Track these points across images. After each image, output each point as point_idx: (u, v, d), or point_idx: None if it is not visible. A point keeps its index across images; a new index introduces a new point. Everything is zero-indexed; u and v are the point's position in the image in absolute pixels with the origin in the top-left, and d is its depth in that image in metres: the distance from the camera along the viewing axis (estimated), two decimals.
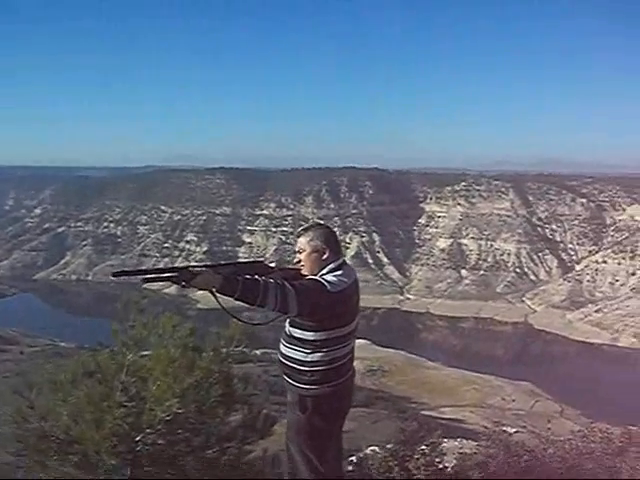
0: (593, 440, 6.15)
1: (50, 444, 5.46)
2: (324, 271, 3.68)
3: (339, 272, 3.67)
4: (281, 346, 3.75)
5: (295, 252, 3.86)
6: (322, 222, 4.07)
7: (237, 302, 3.31)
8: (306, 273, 3.73)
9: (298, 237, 3.86)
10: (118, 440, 5.33)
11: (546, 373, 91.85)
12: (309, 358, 3.60)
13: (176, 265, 3.41)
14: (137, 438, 5.47)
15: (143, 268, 3.30)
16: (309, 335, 3.58)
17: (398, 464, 5.35)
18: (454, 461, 5.85)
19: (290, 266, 3.98)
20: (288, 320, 3.66)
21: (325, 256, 3.72)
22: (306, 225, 3.97)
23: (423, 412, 56.00)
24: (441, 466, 5.46)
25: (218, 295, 3.28)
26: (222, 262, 3.58)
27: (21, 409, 5.60)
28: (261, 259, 3.97)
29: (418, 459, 5.27)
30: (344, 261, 3.79)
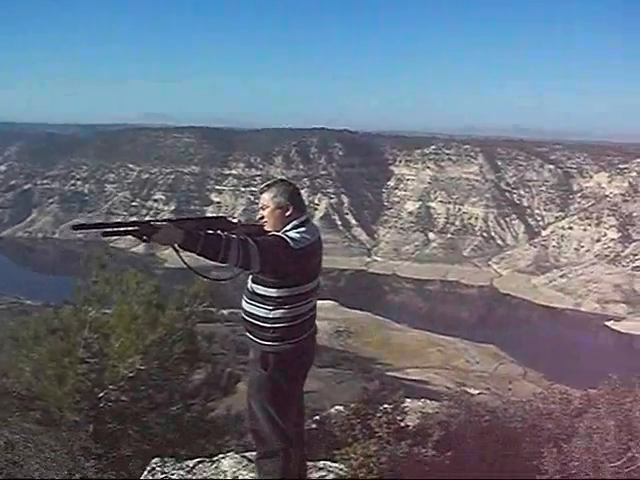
0: (553, 401, 6.24)
1: (12, 400, 5.45)
2: (287, 227, 3.65)
3: (302, 229, 3.64)
4: (243, 303, 3.73)
5: (259, 208, 3.82)
6: (285, 179, 4.02)
7: (205, 260, 3.30)
8: (269, 229, 3.69)
9: (261, 193, 3.81)
10: (81, 396, 5.33)
11: (510, 336, 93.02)
12: (271, 315, 3.58)
13: (138, 220, 3.34)
14: (100, 395, 5.48)
15: (103, 222, 3.24)
16: (271, 292, 3.56)
17: (360, 422, 5.39)
18: (416, 420, 5.91)
19: (253, 222, 3.95)
20: (250, 277, 3.64)
21: (288, 213, 3.69)
22: (270, 181, 3.91)
23: (388, 373, 56.66)
24: (403, 424, 5.51)
25: (180, 250, 3.27)
26: (184, 217, 3.54)
27: None
28: (223, 215, 3.90)
29: (380, 417, 5.31)
30: (307, 218, 3.75)
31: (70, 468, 5.50)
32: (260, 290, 3.59)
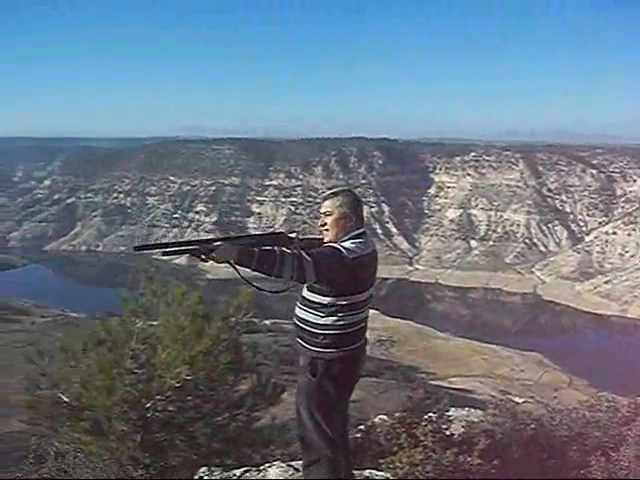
0: (600, 410, 6.19)
1: (62, 410, 5.54)
2: (345, 237, 3.69)
3: (359, 240, 3.68)
4: (297, 309, 3.77)
5: (321, 214, 3.84)
6: (350, 189, 4.05)
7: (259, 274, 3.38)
8: (329, 237, 3.75)
9: (325, 200, 3.84)
10: (129, 406, 5.40)
11: (555, 344, 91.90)
12: (322, 321, 3.63)
13: (196, 239, 3.44)
14: (147, 405, 5.55)
15: (163, 242, 3.33)
16: (324, 300, 3.60)
17: (405, 431, 5.40)
18: (461, 429, 5.90)
19: (310, 236, 3.99)
20: (305, 284, 3.68)
21: (350, 223, 3.74)
22: (335, 189, 3.95)
23: (432, 382, 56.29)
24: (448, 433, 5.51)
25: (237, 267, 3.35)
26: (242, 235, 3.61)
27: (33, 376, 5.68)
28: (281, 230, 3.95)
29: (425, 426, 5.32)
30: (365, 231, 3.79)
31: (119, 477, 5.60)
32: (313, 297, 3.64)
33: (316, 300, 3.62)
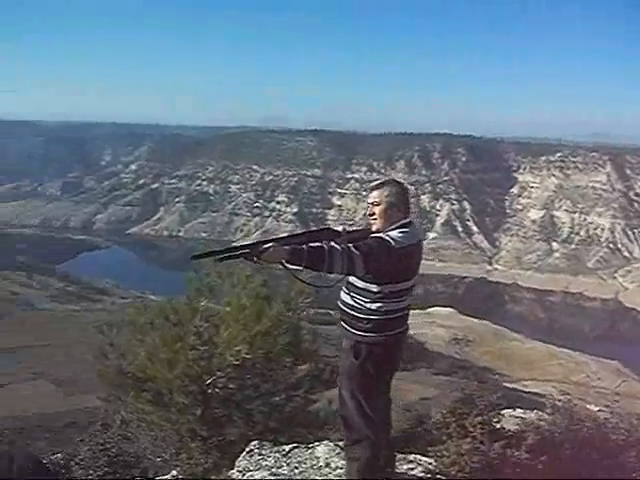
0: None
1: (127, 381, 5.80)
2: (392, 227, 3.77)
3: (405, 230, 3.75)
4: (342, 294, 3.89)
5: (369, 204, 3.90)
6: (397, 179, 4.13)
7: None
8: (376, 227, 3.83)
9: (373, 190, 3.91)
10: (190, 381, 5.62)
11: (635, 353, 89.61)
12: (367, 306, 3.73)
13: (247, 243, 3.58)
14: (208, 381, 5.76)
15: (218, 249, 3.49)
16: (369, 286, 3.70)
17: (455, 421, 5.46)
18: (515, 426, 5.92)
19: (357, 228, 4.10)
20: None
21: (397, 213, 3.81)
22: (382, 180, 4.03)
23: (505, 384, 55.56)
24: (498, 427, 5.54)
25: (289, 266, 3.49)
26: (289, 234, 3.74)
27: (102, 348, 5.96)
28: (327, 226, 4.05)
29: (475, 417, 5.37)
30: (411, 221, 3.85)
31: (177, 447, 5.84)
32: (359, 283, 3.74)
33: (361, 286, 3.73)
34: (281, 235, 3.73)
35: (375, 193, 3.85)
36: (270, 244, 3.42)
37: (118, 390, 5.83)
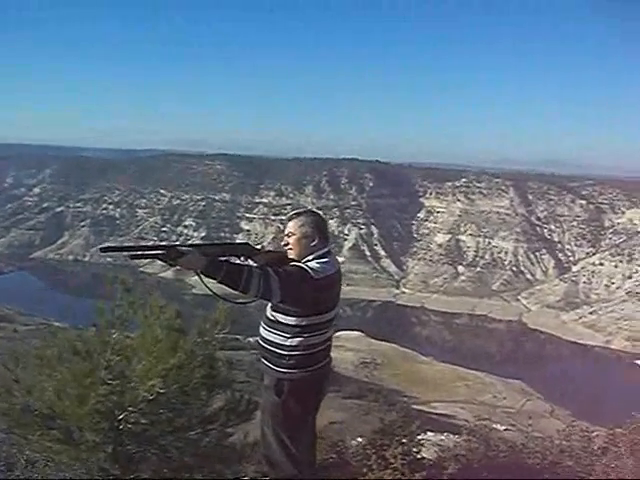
0: (574, 439, 6.23)
1: (34, 418, 5.52)
2: (310, 257, 3.72)
3: (324, 260, 3.71)
4: (261, 329, 3.80)
5: (285, 235, 3.88)
6: (313, 209, 4.10)
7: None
8: (292, 257, 3.77)
9: (289, 221, 3.88)
10: (101, 417, 5.38)
11: (538, 372, 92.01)
12: (288, 342, 3.64)
13: (164, 244, 3.45)
14: (120, 416, 5.54)
15: (130, 244, 3.35)
16: (290, 320, 3.62)
17: (375, 452, 5.42)
18: (434, 453, 5.92)
19: (276, 249, 4.03)
20: (269, 304, 3.70)
21: (314, 243, 3.76)
22: (298, 210, 4.00)
23: (414, 406, 56.02)
24: (419, 456, 5.52)
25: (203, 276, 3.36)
26: (210, 243, 3.62)
27: (6, 383, 5.66)
28: (246, 242, 4.00)
29: (396, 448, 5.33)
30: (329, 250, 3.82)
31: None
32: (279, 318, 3.66)
33: (281, 320, 3.65)
34: (197, 242, 3.62)
35: (290, 224, 3.84)
36: (189, 249, 3.29)
37: (24, 428, 5.54)
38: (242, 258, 3.64)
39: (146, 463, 5.78)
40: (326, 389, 3.98)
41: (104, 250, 3.38)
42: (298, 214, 3.88)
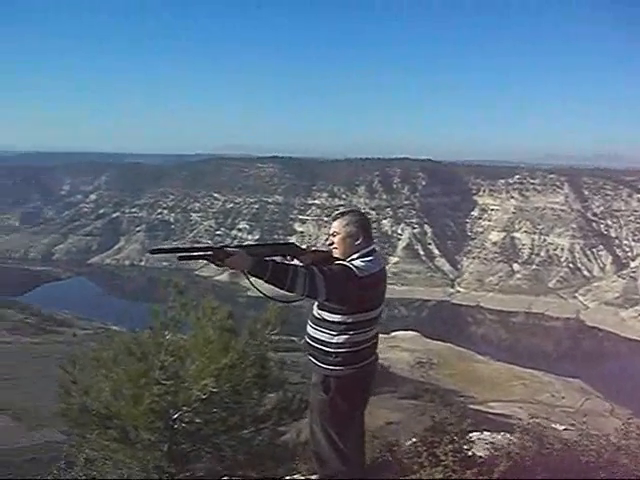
0: (632, 437, 6.14)
1: (92, 418, 5.68)
2: (354, 256, 3.76)
3: (369, 258, 3.76)
4: (308, 328, 3.85)
5: (329, 235, 3.93)
6: (357, 209, 4.16)
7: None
8: (337, 256, 3.84)
9: (333, 220, 3.93)
10: (156, 416, 5.52)
11: (597, 371, 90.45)
12: (334, 340, 3.70)
13: (212, 245, 3.52)
14: (174, 416, 5.66)
15: (179, 246, 3.44)
16: (336, 318, 3.67)
17: (427, 450, 5.43)
18: (487, 452, 5.90)
19: (322, 248, 4.08)
20: (316, 303, 3.76)
21: (358, 242, 3.80)
22: (342, 210, 4.06)
23: (471, 406, 55.62)
24: (470, 453, 5.51)
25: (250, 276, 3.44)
26: (255, 243, 3.69)
27: (65, 384, 5.83)
28: (292, 242, 4.09)
29: (447, 446, 5.34)
30: (374, 248, 3.86)
31: None
32: (325, 316, 3.71)
33: (327, 318, 3.70)
34: (246, 243, 3.69)
35: (335, 223, 3.89)
36: (236, 250, 3.38)
37: (82, 428, 5.71)
38: (288, 258, 3.71)
39: (200, 461, 5.91)
40: (373, 386, 4.01)
41: (153, 252, 3.50)
42: (342, 214, 3.92)
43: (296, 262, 3.72)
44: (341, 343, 3.68)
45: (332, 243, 3.84)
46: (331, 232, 3.89)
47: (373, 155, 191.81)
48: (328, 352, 3.72)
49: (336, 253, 3.81)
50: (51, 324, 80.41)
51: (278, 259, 3.60)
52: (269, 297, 3.97)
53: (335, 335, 3.68)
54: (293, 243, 3.93)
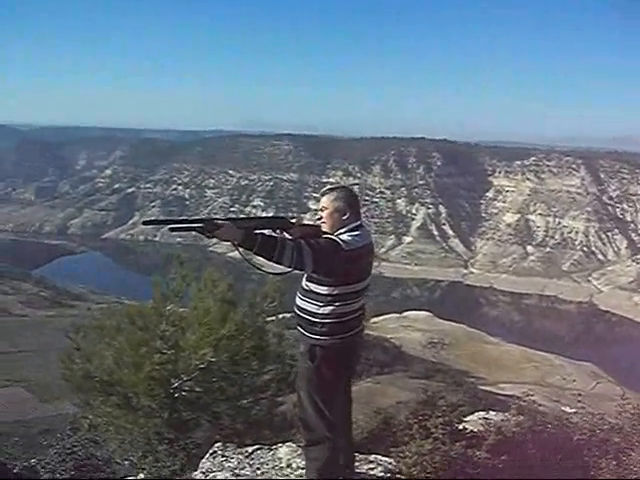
0: (625, 417, 6.20)
1: (94, 384, 5.85)
2: (342, 230, 3.86)
3: (355, 233, 3.86)
4: (297, 299, 3.98)
5: (318, 209, 4.04)
6: (346, 185, 4.26)
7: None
8: (325, 230, 3.95)
9: (322, 196, 4.02)
10: (156, 384, 5.68)
11: (609, 355, 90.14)
12: (321, 310, 3.81)
13: (203, 217, 3.63)
14: (174, 384, 5.82)
15: (171, 218, 3.55)
16: (323, 289, 3.78)
17: (418, 422, 5.54)
18: (480, 427, 5.99)
19: (310, 222, 4.20)
20: (305, 275, 3.89)
21: (345, 217, 3.89)
22: (331, 185, 4.18)
23: (481, 387, 55.66)
24: (460, 427, 5.62)
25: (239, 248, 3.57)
26: (246, 217, 3.82)
27: (68, 351, 6.00)
28: (282, 215, 4.21)
29: (437, 418, 5.46)
30: (361, 224, 3.97)
31: (145, 450, 5.89)
32: (312, 287, 3.83)
33: (314, 290, 3.82)
34: (238, 217, 3.81)
35: (323, 199, 3.99)
36: (225, 222, 3.51)
37: (86, 394, 5.87)
38: (278, 231, 3.83)
39: (199, 429, 6.08)
40: (358, 357, 4.15)
41: (146, 223, 3.62)
42: (331, 189, 4.02)
43: (285, 235, 3.84)
44: (327, 314, 3.80)
45: (320, 218, 3.96)
46: (320, 207, 3.99)
47: (389, 134, 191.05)
48: (314, 322, 3.84)
49: (324, 227, 3.93)
50: (66, 298, 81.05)
51: (268, 232, 3.72)
52: (259, 268, 4.08)
53: (321, 306, 3.80)
54: (283, 217, 4.05)
